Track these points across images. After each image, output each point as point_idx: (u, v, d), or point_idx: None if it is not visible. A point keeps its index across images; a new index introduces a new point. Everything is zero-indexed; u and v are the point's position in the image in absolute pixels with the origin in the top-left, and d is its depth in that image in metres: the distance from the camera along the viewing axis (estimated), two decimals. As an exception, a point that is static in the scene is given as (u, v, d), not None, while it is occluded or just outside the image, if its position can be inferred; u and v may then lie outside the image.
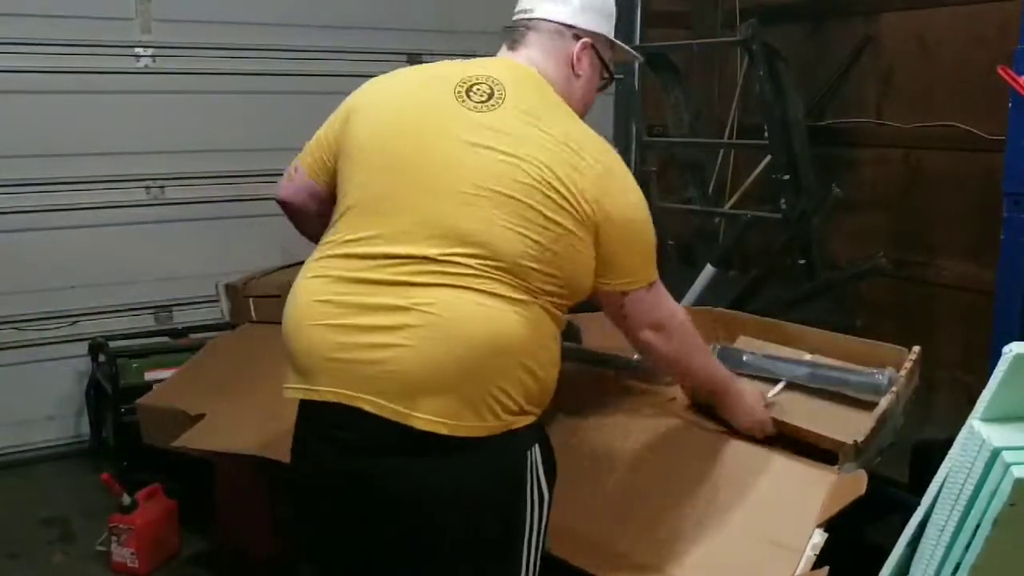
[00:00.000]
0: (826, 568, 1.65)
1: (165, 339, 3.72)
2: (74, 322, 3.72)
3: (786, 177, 4.03)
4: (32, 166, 3.55)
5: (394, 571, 1.65)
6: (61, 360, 3.71)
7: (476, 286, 1.55)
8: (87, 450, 3.65)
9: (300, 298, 1.65)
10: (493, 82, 1.68)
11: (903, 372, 2.10)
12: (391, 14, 4.22)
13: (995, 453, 1.33)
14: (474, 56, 1.79)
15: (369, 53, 4.17)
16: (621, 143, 4.98)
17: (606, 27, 1.85)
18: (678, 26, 5.06)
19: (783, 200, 4.02)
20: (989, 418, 1.39)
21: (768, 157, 4.22)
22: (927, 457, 2.42)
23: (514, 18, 1.85)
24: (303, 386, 1.63)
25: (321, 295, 1.61)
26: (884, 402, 1.99)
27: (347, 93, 1.80)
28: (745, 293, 3.26)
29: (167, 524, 3.03)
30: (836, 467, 1.88)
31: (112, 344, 3.54)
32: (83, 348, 3.64)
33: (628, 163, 4.83)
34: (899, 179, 4.25)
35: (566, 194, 1.60)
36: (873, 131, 4.32)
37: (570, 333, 2.64)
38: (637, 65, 4.77)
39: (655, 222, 1.82)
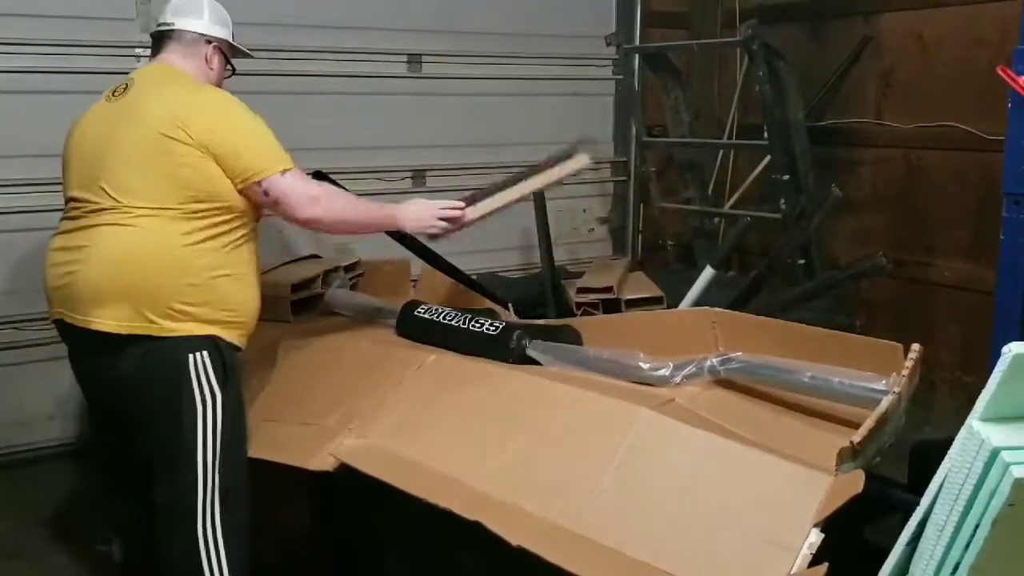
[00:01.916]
0: (825, 565, 1.65)
1: (165, 339, 3.72)
2: (74, 322, 3.71)
3: (786, 177, 4.03)
4: (32, 166, 3.54)
5: (131, 429, 2.28)
6: (61, 360, 3.68)
7: (122, 222, 2.17)
8: (87, 450, 3.65)
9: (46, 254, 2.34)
10: (130, 81, 2.37)
11: (904, 372, 2.10)
12: (391, 14, 4.21)
13: (995, 453, 1.34)
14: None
15: (369, 53, 4.17)
16: (621, 143, 4.99)
17: (226, 33, 2.52)
18: (678, 26, 5.05)
19: (783, 200, 4.02)
20: (989, 418, 1.39)
21: (768, 157, 4.22)
22: (926, 457, 2.43)
23: (157, 28, 2.48)
24: (50, 311, 2.34)
25: (50, 247, 2.33)
26: (884, 402, 1.99)
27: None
28: (745, 293, 3.26)
29: (167, 524, 3.02)
30: (834, 468, 1.87)
31: (112, 344, 3.54)
32: (83, 348, 3.64)
33: (628, 163, 4.91)
34: (899, 179, 4.25)
35: (176, 132, 2.19)
36: (873, 131, 4.32)
37: (570, 337, 2.65)
38: (637, 65, 4.78)
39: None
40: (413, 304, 2.78)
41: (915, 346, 2.18)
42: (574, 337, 2.64)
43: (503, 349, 2.49)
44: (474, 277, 3.49)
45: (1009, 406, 1.39)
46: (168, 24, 2.45)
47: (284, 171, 2.27)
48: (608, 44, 4.78)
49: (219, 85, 2.50)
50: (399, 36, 4.25)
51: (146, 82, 2.35)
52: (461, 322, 2.61)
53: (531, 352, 2.49)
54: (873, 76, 4.30)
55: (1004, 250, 2.58)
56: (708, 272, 3.41)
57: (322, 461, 2.24)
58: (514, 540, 1.85)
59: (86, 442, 3.28)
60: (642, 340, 2.50)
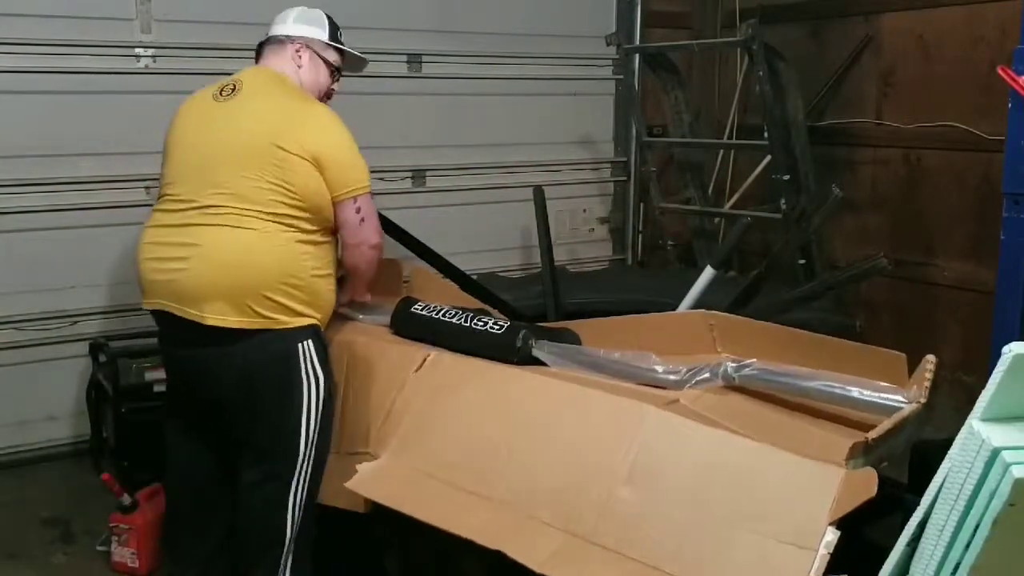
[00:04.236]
0: None
1: (165, 339, 3.72)
2: (74, 322, 3.71)
3: (786, 177, 4.03)
4: (32, 166, 3.54)
5: (223, 421, 2.46)
6: (61, 360, 3.71)
7: (233, 223, 2.35)
8: (87, 450, 3.65)
9: (140, 243, 2.49)
10: (236, 82, 2.55)
11: (926, 384, 2.06)
12: (391, 14, 4.21)
13: (995, 453, 1.34)
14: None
15: (369, 53, 4.16)
16: (621, 143, 4.99)
17: (316, 33, 2.69)
18: (678, 26, 5.06)
19: (783, 200, 4.02)
20: (989, 418, 1.39)
21: (768, 157, 4.22)
22: (927, 457, 2.41)
23: (260, 42, 2.74)
24: (144, 300, 2.48)
25: (148, 239, 2.47)
26: (907, 408, 1.96)
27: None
28: (745, 293, 3.26)
29: (167, 524, 3.02)
30: (844, 462, 1.84)
31: (112, 344, 3.54)
32: (83, 348, 3.64)
33: (628, 163, 4.92)
34: (899, 179, 4.25)
35: (288, 142, 2.38)
36: (873, 131, 4.32)
37: (569, 339, 2.63)
38: (637, 65, 4.78)
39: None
40: (410, 301, 2.73)
41: (930, 357, 2.15)
42: (573, 339, 2.62)
43: (508, 349, 2.43)
44: (474, 277, 3.49)
45: (1009, 406, 1.39)
46: (265, 36, 2.74)
47: (371, 193, 2.54)
48: (608, 44, 4.78)
49: (317, 83, 2.67)
50: (399, 36, 4.26)
51: (253, 87, 2.53)
52: (463, 320, 2.56)
53: (537, 353, 2.44)
54: (873, 76, 4.31)
55: (1004, 250, 2.58)
56: (708, 272, 3.41)
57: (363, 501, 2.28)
58: (538, 567, 1.85)
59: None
60: (640, 342, 2.49)
